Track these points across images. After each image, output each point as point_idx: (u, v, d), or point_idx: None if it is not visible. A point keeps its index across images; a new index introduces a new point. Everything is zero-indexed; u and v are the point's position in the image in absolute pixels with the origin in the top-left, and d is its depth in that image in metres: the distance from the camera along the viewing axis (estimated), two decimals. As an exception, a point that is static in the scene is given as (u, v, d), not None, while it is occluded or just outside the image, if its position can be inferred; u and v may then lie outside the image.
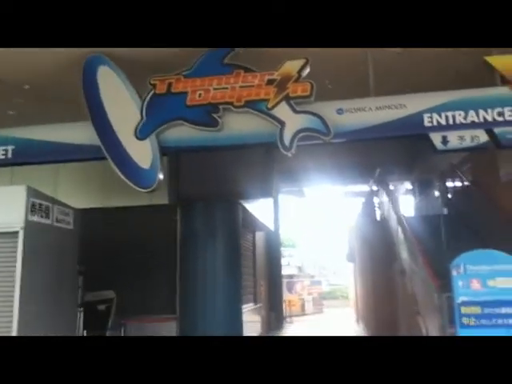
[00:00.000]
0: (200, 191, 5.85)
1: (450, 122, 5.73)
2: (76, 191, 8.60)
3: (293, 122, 5.59)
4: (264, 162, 5.80)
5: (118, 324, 8.41)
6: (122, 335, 8.49)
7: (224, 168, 5.83)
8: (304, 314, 21.44)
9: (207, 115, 5.73)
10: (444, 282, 5.41)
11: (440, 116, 5.75)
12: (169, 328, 8.52)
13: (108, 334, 7.98)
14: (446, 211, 11.23)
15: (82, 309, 7.17)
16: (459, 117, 5.74)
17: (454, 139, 5.75)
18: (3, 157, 6.32)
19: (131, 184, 5.81)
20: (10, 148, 6.31)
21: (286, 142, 5.55)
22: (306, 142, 5.74)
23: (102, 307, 8.21)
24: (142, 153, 5.83)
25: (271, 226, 14.34)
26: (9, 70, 6.39)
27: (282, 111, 5.67)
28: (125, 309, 8.46)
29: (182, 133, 5.85)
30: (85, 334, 6.86)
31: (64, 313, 6.51)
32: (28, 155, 6.27)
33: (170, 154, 5.90)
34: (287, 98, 5.68)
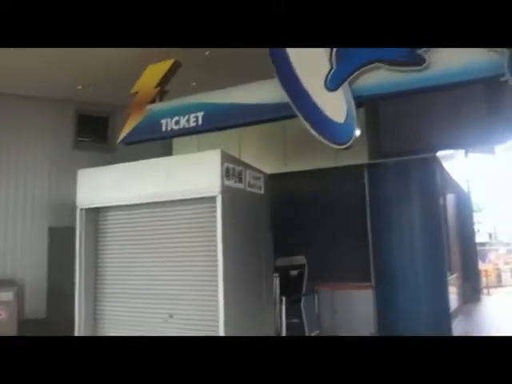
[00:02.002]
0: (405, 146, 5.04)
1: None
2: (259, 157, 8.46)
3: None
4: (484, 103, 4.71)
5: (311, 290, 8.19)
6: (316, 301, 8.27)
7: (433, 116, 4.90)
8: (500, 286, 19.02)
9: (409, 52, 4.85)
10: None
11: None
12: (364, 296, 8.00)
13: (303, 300, 7.79)
14: None
15: (277, 274, 7.04)
16: None
17: None
18: (194, 124, 6.37)
19: (325, 141, 5.28)
20: (199, 114, 6.32)
21: (520, 71, 4.38)
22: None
23: (294, 273, 8.06)
24: (335, 105, 5.24)
25: (463, 187, 12.72)
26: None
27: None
28: (316, 274, 8.18)
29: (379, 77, 5.08)
30: (283, 300, 6.72)
31: (263, 276, 6.45)
32: (217, 120, 6.20)
33: (367, 104, 5.19)
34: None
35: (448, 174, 9.22)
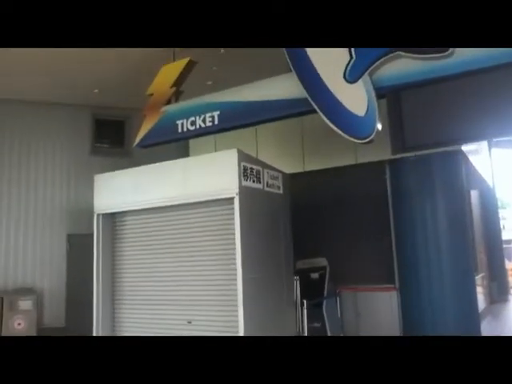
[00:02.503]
0: (430, 138, 4.78)
1: None
2: (276, 157, 8.27)
3: None
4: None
5: (333, 292, 7.95)
6: (338, 304, 8.02)
7: (459, 106, 4.65)
8: (527, 285, 18.41)
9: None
10: None
11: None
12: (388, 298, 7.73)
13: (324, 303, 7.56)
14: None
15: (297, 277, 6.83)
16: None
17: None
18: (210, 124, 6.20)
19: (345, 136, 5.06)
20: (215, 114, 6.16)
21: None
22: None
23: (315, 275, 7.83)
24: (355, 98, 5.03)
25: (488, 183, 12.33)
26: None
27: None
28: (338, 276, 7.95)
29: (400, 67, 4.84)
30: (304, 303, 6.50)
31: (283, 279, 6.25)
32: (234, 118, 6.02)
33: (389, 95, 4.96)
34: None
35: (474, 169, 8.89)
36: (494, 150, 14.65)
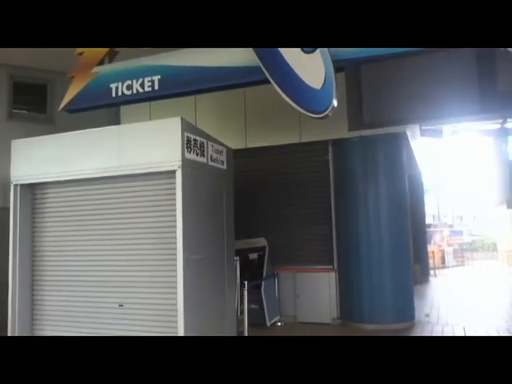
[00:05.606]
0: (389, 116, 4.58)
1: None
2: (217, 131, 7.82)
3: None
4: (476, 71, 4.33)
5: (271, 273, 7.74)
6: (276, 286, 7.83)
7: (421, 83, 4.48)
8: (444, 267, 19.67)
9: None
10: None
11: None
12: (327, 279, 7.65)
13: (263, 284, 7.33)
14: None
15: (237, 258, 6.51)
16: None
17: None
18: (149, 89, 5.64)
19: (300, 109, 4.75)
20: (156, 78, 5.60)
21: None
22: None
23: (253, 256, 7.57)
24: (312, 69, 4.70)
25: (418, 168, 12.71)
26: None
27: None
28: (277, 257, 7.75)
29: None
30: (245, 284, 6.20)
31: (225, 259, 5.90)
32: (176, 85, 5.51)
33: (347, 68, 4.68)
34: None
35: (412, 153, 9.00)
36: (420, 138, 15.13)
